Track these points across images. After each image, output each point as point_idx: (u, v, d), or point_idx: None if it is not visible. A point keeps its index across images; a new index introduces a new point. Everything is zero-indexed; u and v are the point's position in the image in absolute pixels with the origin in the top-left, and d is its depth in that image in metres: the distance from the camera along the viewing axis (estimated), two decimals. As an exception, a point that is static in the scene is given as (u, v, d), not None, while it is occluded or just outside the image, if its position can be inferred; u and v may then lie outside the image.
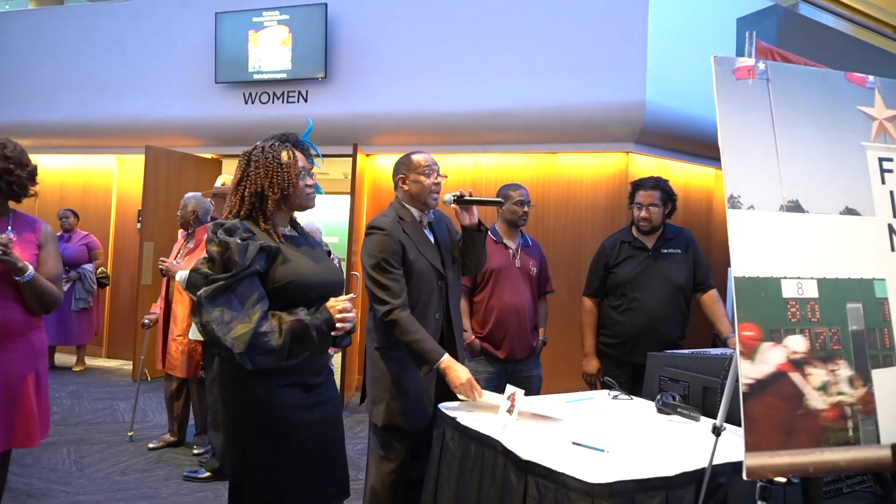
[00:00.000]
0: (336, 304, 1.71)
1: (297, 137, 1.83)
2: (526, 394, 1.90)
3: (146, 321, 3.78)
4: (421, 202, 2.31)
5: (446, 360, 2.12)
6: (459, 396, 2.16)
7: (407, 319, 2.15)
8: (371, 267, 2.20)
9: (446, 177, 2.35)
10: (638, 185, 3.12)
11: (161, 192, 5.63)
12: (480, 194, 5.01)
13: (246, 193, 1.74)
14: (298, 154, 1.80)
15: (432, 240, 2.34)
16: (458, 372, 2.11)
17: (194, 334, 3.39)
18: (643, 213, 3.03)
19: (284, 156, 1.75)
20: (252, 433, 1.68)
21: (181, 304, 3.51)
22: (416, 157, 2.32)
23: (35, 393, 2.22)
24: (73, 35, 6.38)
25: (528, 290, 3.01)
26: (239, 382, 1.67)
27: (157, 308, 3.78)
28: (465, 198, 2.29)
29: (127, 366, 5.96)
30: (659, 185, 3.08)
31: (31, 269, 2.10)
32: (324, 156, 1.95)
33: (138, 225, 6.16)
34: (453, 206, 2.31)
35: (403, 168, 2.33)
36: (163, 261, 3.55)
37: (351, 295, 1.79)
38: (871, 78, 1.69)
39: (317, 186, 2.04)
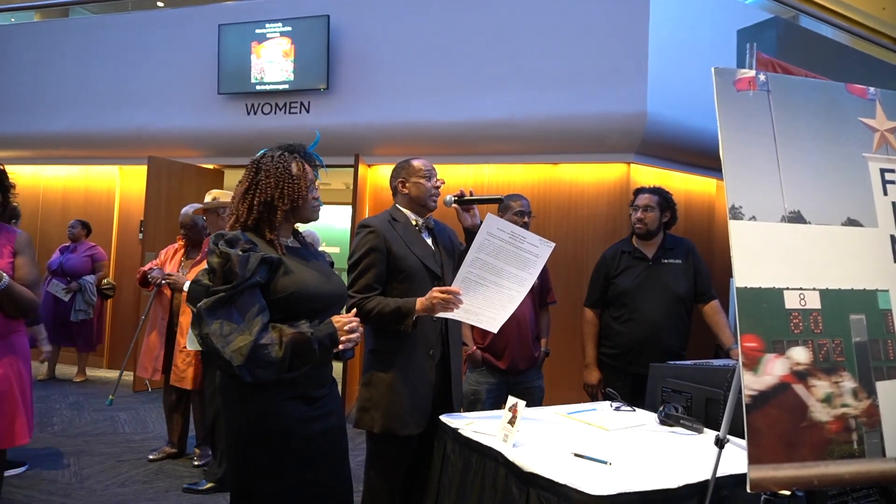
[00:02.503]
0: (342, 320, 1.70)
1: (305, 149, 1.83)
2: (528, 405, 1.89)
3: (161, 281, 3.54)
4: (421, 205, 2.30)
5: (419, 302, 2.08)
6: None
7: (364, 301, 2.13)
8: (349, 263, 2.23)
9: (444, 182, 2.35)
10: (638, 190, 3.18)
11: (163, 202, 5.65)
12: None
13: (255, 202, 1.72)
14: (307, 166, 1.80)
15: (430, 242, 2.32)
16: (423, 300, 2.06)
17: (192, 344, 3.37)
18: (638, 215, 3.05)
19: (294, 167, 1.75)
20: (254, 447, 1.67)
21: (187, 315, 3.49)
22: (415, 162, 2.33)
23: (20, 393, 2.27)
24: (78, 47, 6.43)
25: (530, 300, 3.00)
26: (241, 395, 1.66)
27: (156, 264, 3.68)
28: (466, 197, 2.29)
29: (128, 376, 5.93)
30: (657, 191, 3.12)
31: (5, 276, 2.14)
32: (326, 166, 1.95)
33: (140, 235, 6.17)
34: (454, 206, 2.30)
35: (403, 172, 2.33)
36: (169, 275, 3.52)
37: (354, 310, 1.79)
38: (871, 89, 1.69)
39: None
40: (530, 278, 2.09)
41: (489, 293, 2.07)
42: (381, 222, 2.24)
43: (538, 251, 2.07)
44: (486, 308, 2.09)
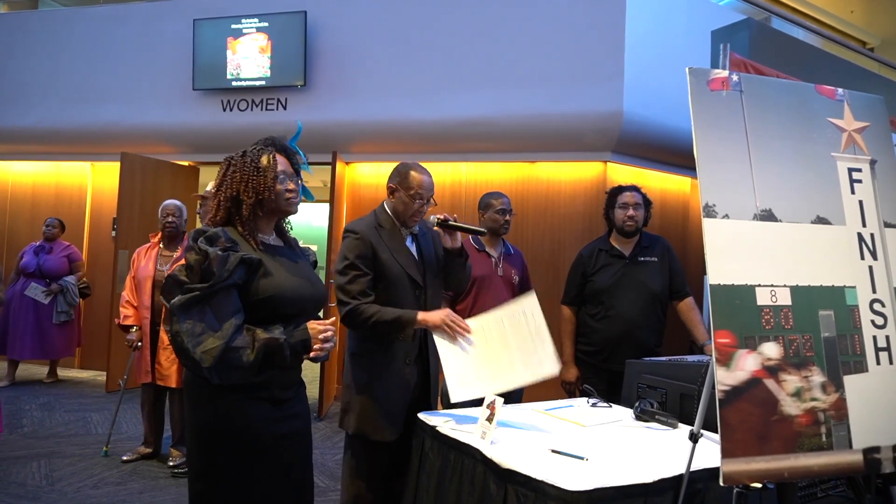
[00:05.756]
0: (318, 328, 1.67)
1: (283, 142, 1.80)
2: (507, 402, 1.90)
3: (138, 344, 3.58)
4: (400, 221, 2.31)
5: (421, 314, 2.13)
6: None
7: (363, 307, 2.14)
8: (337, 270, 2.22)
9: (436, 204, 2.36)
10: (618, 189, 3.18)
11: (136, 199, 5.55)
12: (460, 202, 5.05)
13: (222, 198, 1.71)
14: (280, 158, 1.76)
15: (414, 250, 2.34)
16: (434, 316, 2.12)
17: None
18: (629, 213, 3.06)
19: (263, 160, 1.72)
20: (218, 446, 1.64)
21: None
22: (414, 176, 2.28)
23: None
24: (48, 40, 6.28)
25: (511, 298, 3.01)
26: (206, 393, 1.63)
27: (129, 321, 3.62)
28: (450, 223, 2.32)
29: (100, 377, 5.84)
30: (638, 188, 3.16)
31: None
32: (305, 156, 1.91)
33: (113, 233, 6.06)
34: (437, 228, 2.34)
35: (398, 179, 2.30)
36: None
37: (333, 318, 1.76)
38: (840, 90, 1.73)
39: (306, 191, 1.99)
40: (518, 380, 2.06)
41: (483, 355, 2.07)
42: (367, 228, 2.25)
43: (542, 362, 2.05)
44: (467, 363, 2.08)
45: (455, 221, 2.32)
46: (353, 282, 2.17)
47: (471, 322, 2.09)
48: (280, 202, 1.74)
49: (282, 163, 1.75)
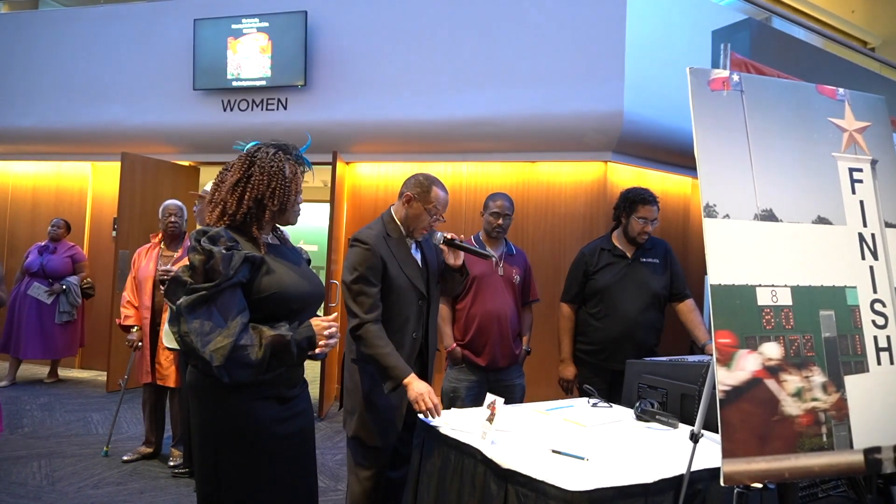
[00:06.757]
0: (322, 324, 1.69)
1: (298, 151, 1.82)
2: (508, 403, 1.90)
3: (139, 344, 3.58)
4: (408, 230, 2.32)
5: (410, 377, 2.10)
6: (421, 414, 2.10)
7: (374, 334, 2.14)
8: (348, 280, 2.21)
9: (444, 220, 2.37)
10: (641, 199, 3.08)
11: (137, 199, 5.55)
12: (460, 202, 5.05)
13: (246, 197, 1.70)
14: (298, 170, 1.79)
15: (419, 258, 2.35)
16: (417, 387, 2.07)
17: (169, 341, 3.32)
18: (647, 228, 3.04)
19: (288, 169, 1.74)
20: (226, 447, 1.64)
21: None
22: (435, 192, 2.30)
23: None
24: (48, 40, 6.28)
25: (511, 298, 3.02)
26: (213, 394, 1.64)
27: (130, 321, 3.62)
28: (456, 242, 2.34)
29: (101, 377, 5.84)
30: (657, 200, 3.10)
31: None
32: (312, 167, 1.93)
33: (113, 233, 6.06)
34: (443, 246, 2.36)
35: (417, 190, 2.30)
36: (168, 271, 3.40)
37: (335, 315, 1.78)
38: (841, 90, 1.73)
39: None
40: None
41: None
42: (377, 238, 2.25)
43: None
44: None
45: (461, 241, 2.35)
46: (364, 295, 2.18)
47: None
48: (292, 214, 1.79)
49: (299, 175, 1.79)
